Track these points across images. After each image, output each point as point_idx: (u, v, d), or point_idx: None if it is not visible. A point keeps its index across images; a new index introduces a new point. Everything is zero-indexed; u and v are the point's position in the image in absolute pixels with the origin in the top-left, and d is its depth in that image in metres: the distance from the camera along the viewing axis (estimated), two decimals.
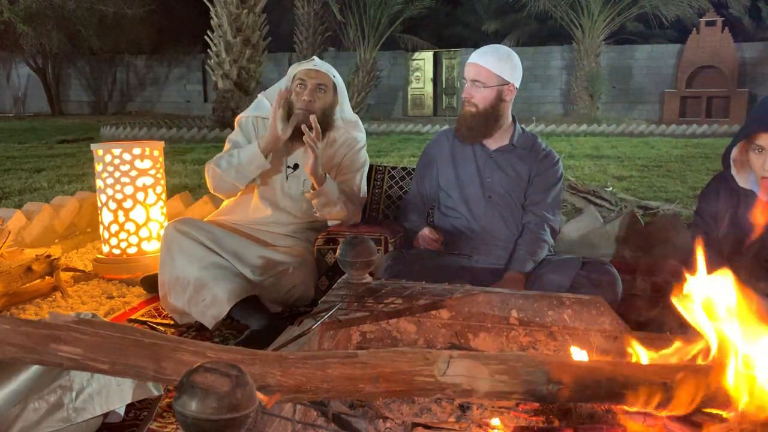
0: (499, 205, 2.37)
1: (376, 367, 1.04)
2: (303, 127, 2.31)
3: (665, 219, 3.40)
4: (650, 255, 3.19)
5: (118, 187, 3.06)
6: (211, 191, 2.61)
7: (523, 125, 2.50)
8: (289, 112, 2.47)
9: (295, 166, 2.57)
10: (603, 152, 8.70)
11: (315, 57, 2.62)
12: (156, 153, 3.15)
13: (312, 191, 2.42)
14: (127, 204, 3.09)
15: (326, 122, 2.48)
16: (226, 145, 2.59)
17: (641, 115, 15.61)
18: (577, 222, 3.33)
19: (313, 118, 2.32)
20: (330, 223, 2.56)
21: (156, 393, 1.54)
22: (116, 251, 3.11)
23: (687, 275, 1.18)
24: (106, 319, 2.11)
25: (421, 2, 15.66)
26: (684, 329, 1.25)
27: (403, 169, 2.99)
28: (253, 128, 2.60)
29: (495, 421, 1.34)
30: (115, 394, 1.47)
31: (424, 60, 17.66)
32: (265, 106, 2.60)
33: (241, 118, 2.64)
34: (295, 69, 2.53)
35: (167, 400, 1.69)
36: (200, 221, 2.51)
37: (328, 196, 2.42)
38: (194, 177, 6.24)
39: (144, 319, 2.48)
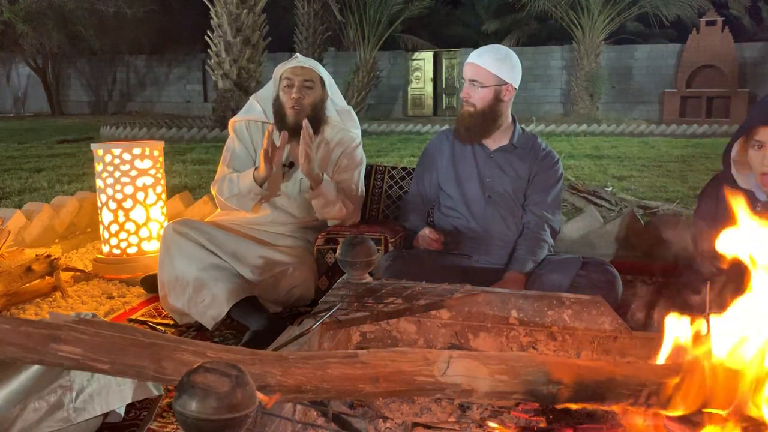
0: (499, 205, 2.37)
1: (376, 367, 1.04)
2: (305, 122, 2.32)
3: (665, 219, 3.40)
4: (650, 255, 3.19)
5: (118, 187, 3.06)
6: (220, 210, 2.66)
7: (523, 125, 2.50)
8: (280, 114, 2.48)
9: (291, 165, 2.58)
10: (603, 152, 8.70)
11: (298, 54, 2.62)
12: (156, 153, 3.15)
13: (310, 192, 2.43)
14: (127, 204, 3.09)
15: (318, 117, 2.49)
16: (224, 154, 2.62)
17: (641, 115, 15.61)
18: (577, 222, 3.33)
19: (305, 123, 2.32)
20: (330, 222, 2.57)
21: (156, 393, 1.54)
22: (116, 251, 3.11)
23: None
24: (106, 319, 2.11)
25: (421, 2, 15.67)
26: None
27: (403, 169, 2.99)
28: (246, 132, 2.61)
29: (495, 422, 1.34)
30: (115, 394, 1.47)
31: (424, 60, 17.66)
32: (255, 109, 2.62)
33: (234, 123, 2.65)
34: (280, 70, 2.53)
35: (167, 400, 1.69)
36: (199, 222, 2.52)
37: (327, 197, 2.43)
38: (194, 177, 6.24)
39: (144, 319, 2.48)
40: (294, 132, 2.42)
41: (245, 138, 2.60)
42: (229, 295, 2.24)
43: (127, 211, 3.09)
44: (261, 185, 2.42)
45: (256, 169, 2.42)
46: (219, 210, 2.70)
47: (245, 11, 11.45)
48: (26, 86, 21.09)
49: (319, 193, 2.42)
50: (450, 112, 16.62)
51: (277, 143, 2.37)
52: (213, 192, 2.58)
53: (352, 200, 2.56)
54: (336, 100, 2.63)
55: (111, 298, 2.76)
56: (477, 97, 2.29)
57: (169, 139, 10.44)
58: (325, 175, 2.45)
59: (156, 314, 2.54)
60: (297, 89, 2.45)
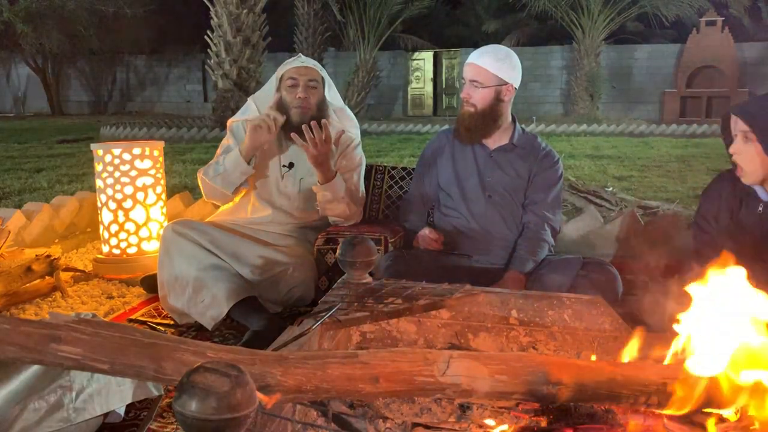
0: (499, 205, 2.37)
1: (376, 367, 1.04)
2: (304, 127, 2.31)
3: (665, 219, 3.40)
4: (650, 255, 3.19)
5: (118, 187, 3.06)
6: (205, 199, 2.65)
7: (523, 125, 2.50)
8: (283, 113, 2.47)
9: (290, 165, 2.57)
10: (603, 152, 8.70)
11: (300, 54, 2.62)
12: (156, 153, 3.15)
13: (318, 185, 2.42)
14: (127, 204, 3.08)
15: (321, 117, 2.49)
16: (218, 151, 2.61)
17: (641, 115, 15.61)
18: (577, 222, 3.33)
19: (324, 123, 2.31)
20: (331, 220, 2.56)
21: (156, 393, 1.54)
22: (116, 251, 3.11)
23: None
24: (106, 319, 2.11)
25: (421, 2, 15.66)
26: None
27: (403, 169, 2.99)
28: (243, 132, 2.60)
29: (495, 421, 1.34)
30: (115, 394, 1.47)
31: (424, 60, 17.66)
32: (252, 109, 2.61)
33: (231, 123, 2.65)
34: (283, 69, 2.53)
35: (167, 400, 1.69)
36: (198, 222, 2.51)
37: (335, 192, 2.43)
38: (194, 177, 6.21)
39: (144, 319, 2.48)
40: (297, 131, 2.42)
41: (241, 136, 2.60)
42: (228, 295, 2.24)
43: (127, 211, 3.09)
44: (248, 161, 2.41)
45: (242, 143, 2.42)
46: (224, 207, 2.69)
47: (245, 11, 11.44)
48: (26, 86, 21.08)
49: (329, 187, 2.41)
50: (450, 112, 16.62)
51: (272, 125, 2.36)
52: (199, 178, 2.54)
53: (355, 201, 2.56)
54: (332, 100, 2.63)
55: (111, 298, 2.76)
56: (477, 98, 2.29)
57: (169, 139, 10.44)
58: (338, 172, 2.45)
59: (156, 314, 2.54)
60: (302, 88, 2.45)
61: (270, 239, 2.54)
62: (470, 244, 2.36)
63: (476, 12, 17.98)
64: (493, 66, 2.26)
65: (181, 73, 19.65)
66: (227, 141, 2.61)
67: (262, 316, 2.24)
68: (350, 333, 1.72)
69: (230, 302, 2.24)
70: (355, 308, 1.55)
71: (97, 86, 20.55)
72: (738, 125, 1.82)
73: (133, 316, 2.51)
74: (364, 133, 2.79)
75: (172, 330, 2.37)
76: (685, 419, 1.14)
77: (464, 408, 1.44)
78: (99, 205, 3.14)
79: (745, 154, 1.82)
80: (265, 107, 2.56)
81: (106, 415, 1.51)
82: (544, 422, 1.34)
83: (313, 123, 2.30)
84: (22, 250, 3.10)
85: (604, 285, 2.09)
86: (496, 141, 2.39)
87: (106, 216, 3.11)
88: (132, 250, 3.12)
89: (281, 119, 2.41)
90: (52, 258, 2.75)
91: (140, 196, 3.10)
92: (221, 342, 2.24)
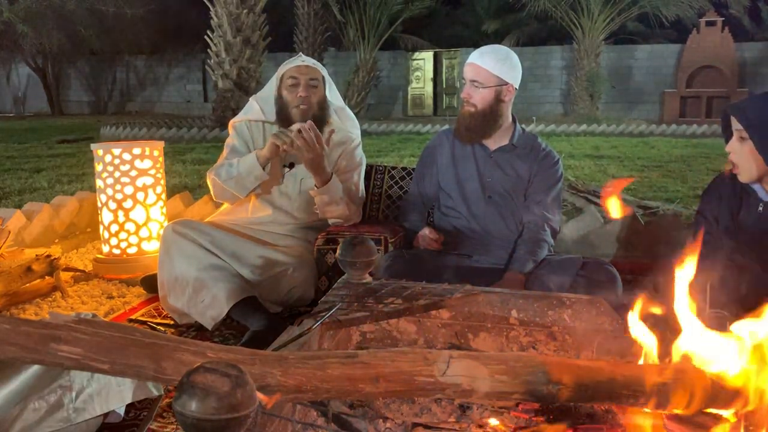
0: (499, 205, 2.37)
1: (376, 367, 1.03)
2: (300, 125, 2.31)
3: (665, 219, 3.40)
4: (650, 255, 3.19)
5: (118, 187, 3.06)
6: (214, 199, 2.63)
7: (523, 125, 2.50)
8: (284, 112, 2.47)
9: (291, 165, 2.57)
10: (603, 152, 8.70)
11: (301, 53, 2.62)
12: (156, 153, 3.15)
13: (316, 188, 2.42)
14: (127, 204, 3.09)
15: (322, 116, 2.49)
16: (224, 151, 2.60)
17: (641, 115, 15.62)
18: (577, 222, 3.33)
19: (310, 124, 2.30)
20: (331, 221, 2.56)
21: (156, 393, 1.54)
22: (116, 251, 3.11)
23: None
24: (106, 319, 2.11)
25: (421, 2, 15.68)
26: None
27: (403, 169, 2.99)
28: (248, 131, 2.60)
29: (495, 421, 1.34)
30: (115, 394, 1.47)
31: (424, 60, 17.67)
32: (255, 109, 2.60)
33: (234, 122, 2.64)
34: (284, 68, 2.53)
35: (167, 400, 1.69)
36: (199, 222, 2.51)
37: (332, 195, 2.43)
38: (194, 177, 6.24)
39: (144, 319, 2.48)
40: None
41: (246, 135, 2.60)
42: (229, 295, 2.24)
43: (127, 211, 3.09)
44: (263, 167, 2.40)
45: (260, 149, 2.41)
46: (224, 206, 2.68)
47: (245, 11, 11.45)
48: (26, 86, 21.09)
49: (326, 190, 2.41)
50: (450, 112, 16.63)
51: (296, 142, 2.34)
52: (209, 178, 2.52)
53: (354, 201, 2.56)
54: (333, 99, 2.62)
55: (111, 298, 2.76)
56: (478, 98, 2.29)
57: (169, 139, 10.44)
58: (333, 174, 2.45)
59: (156, 314, 2.54)
60: (303, 87, 2.45)
61: (270, 239, 2.54)
62: (470, 244, 2.36)
63: (476, 12, 17.99)
64: (494, 66, 2.26)
65: (181, 73, 19.66)
66: (232, 140, 2.61)
67: (262, 316, 2.24)
68: (350, 333, 1.72)
69: (230, 302, 2.24)
70: (355, 308, 1.55)
71: (97, 86, 20.56)
72: (734, 123, 1.84)
73: (133, 316, 2.51)
74: (364, 133, 2.79)
75: (172, 330, 2.37)
76: (686, 419, 1.14)
77: (464, 408, 1.44)
78: (99, 205, 3.15)
79: (740, 152, 1.83)
80: (267, 107, 2.56)
81: (106, 415, 1.51)
82: (544, 422, 1.34)
83: (302, 125, 2.29)
84: (22, 250, 3.10)
85: (604, 285, 2.09)
86: (496, 141, 2.39)
87: (106, 216, 3.11)
88: (132, 250, 3.12)
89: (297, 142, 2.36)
90: (52, 258, 2.75)
91: (140, 196, 3.10)
92: (221, 342, 2.24)
